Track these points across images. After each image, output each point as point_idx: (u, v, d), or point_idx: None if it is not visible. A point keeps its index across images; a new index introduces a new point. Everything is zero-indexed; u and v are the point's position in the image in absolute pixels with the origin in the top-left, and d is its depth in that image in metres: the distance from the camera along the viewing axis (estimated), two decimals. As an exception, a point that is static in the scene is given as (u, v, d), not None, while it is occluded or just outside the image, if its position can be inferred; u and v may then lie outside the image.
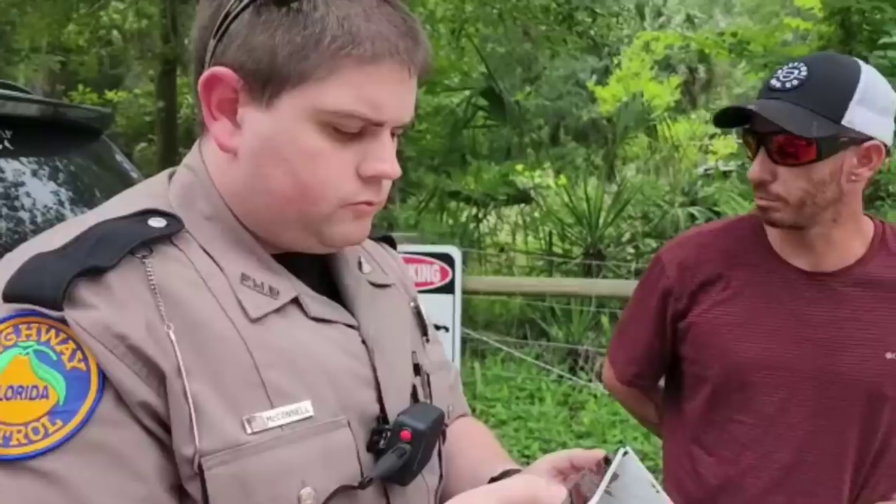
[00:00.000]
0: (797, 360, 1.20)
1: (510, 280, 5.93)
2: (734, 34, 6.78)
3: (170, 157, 8.37)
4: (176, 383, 0.61)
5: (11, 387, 0.58)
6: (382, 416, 0.73)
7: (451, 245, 4.17)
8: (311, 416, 0.67)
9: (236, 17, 0.67)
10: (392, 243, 0.98)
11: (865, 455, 1.21)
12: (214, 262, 0.69)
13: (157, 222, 0.68)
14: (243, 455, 0.62)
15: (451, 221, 7.48)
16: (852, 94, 1.10)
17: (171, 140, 9.04)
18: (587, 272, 6.27)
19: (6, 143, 1.53)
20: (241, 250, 0.71)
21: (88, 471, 0.58)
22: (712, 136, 12.16)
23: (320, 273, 0.79)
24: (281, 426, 0.65)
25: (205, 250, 0.69)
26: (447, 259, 3.74)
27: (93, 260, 0.61)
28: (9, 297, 0.60)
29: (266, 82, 0.66)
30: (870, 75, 1.13)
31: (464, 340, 4.57)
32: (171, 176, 0.76)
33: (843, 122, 1.10)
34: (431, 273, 3.73)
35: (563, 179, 8.15)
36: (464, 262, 4.23)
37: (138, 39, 11.08)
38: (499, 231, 8.64)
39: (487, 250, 7.89)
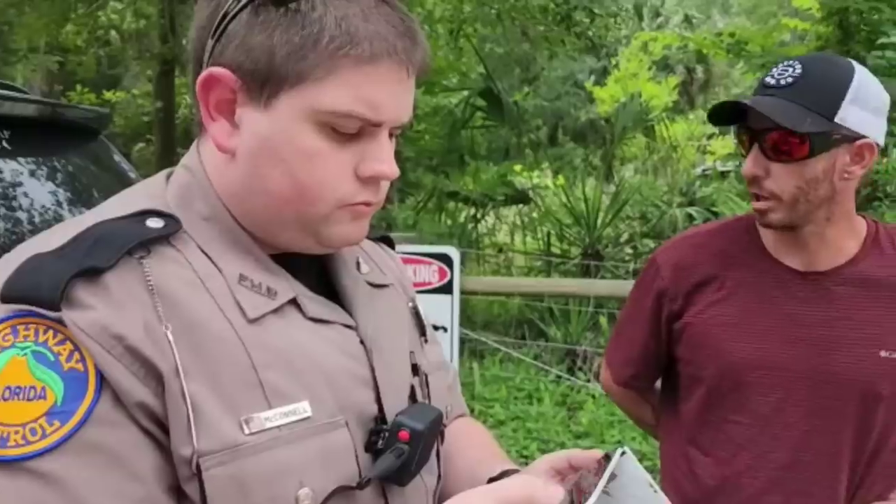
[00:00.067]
0: (791, 360, 1.21)
1: (508, 280, 5.93)
2: (732, 34, 6.80)
3: (168, 157, 8.37)
4: (174, 384, 0.61)
5: (9, 387, 0.58)
6: (380, 417, 0.73)
7: (450, 245, 4.17)
8: (308, 417, 0.67)
9: (234, 17, 0.66)
10: (390, 243, 0.98)
11: (861, 454, 1.21)
12: (212, 262, 0.69)
13: (154, 223, 0.67)
14: (241, 456, 0.62)
15: (449, 222, 7.48)
16: (846, 93, 1.12)
17: (169, 140, 9.04)
18: (585, 272, 6.28)
19: (4, 144, 1.53)
20: (238, 251, 0.71)
21: (86, 471, 0.58)
22: (710, 137, 12.19)
23: (318, 273, 0.79)
24: (279, 427, 0.65)
25: (203, 251, 0.69)
26: (445, 259, 3.74)
27: (90, 260, 0.61)
28: (6, 298, 0.60)
29: (264, 82, 0.66)
30: (863, 75, 1.15)
31: (462, 341, 4.57)
32: (168, 176, 0.76)
33: (836, 120, 1.11)
34: (430, 273, 3.73)
35: (561, 180, 8.17)
36: (462, 263, 4.23)
37: (136, 39, 11.07)
38: (497, 231, 8.65)
39: (486, 251, 7.89)
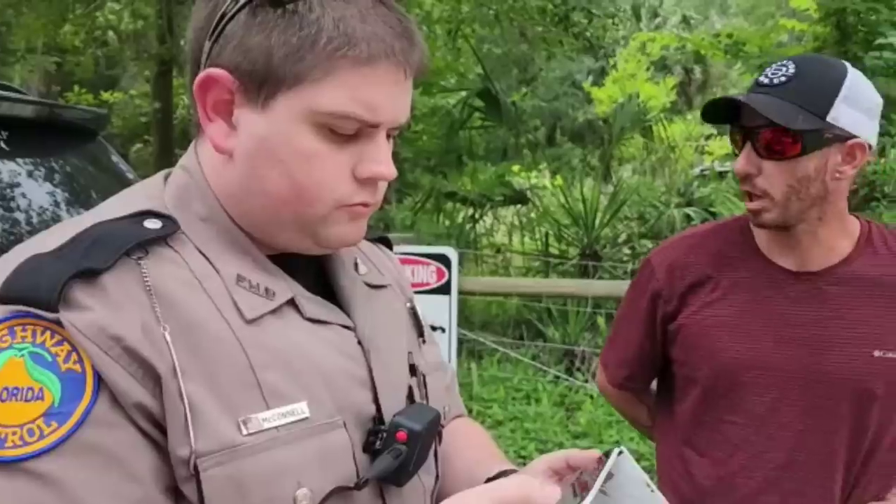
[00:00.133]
0: (785, 360, 1.21)
1: (507, 281, 5.93)
2: (730, 35, 6.81)
3: (166, 158, 8.37)
4: (171, 384, 0.61)
5: (6, 388, 0.58)
6: (378, 417, 0.73)
7: (448, 246, 4.18)
8: (306, 417, 0.67)
9: (232, 18, 0.66)
10: (388, 244, 0.98)
11: (856, 454, 1.22)
12: (210, 263, 0.69)
13: (152, 224, 0.68)
14: (239, 456, 0.62)
15: (447, 222, 7.48)
16: (838, 92, 1.13)
17: (167, 141, 9.04)
18: (583, 273, 6.28)
19: (2, 144, 1.53)
20: (236, 251, 0.71)
21: (84, 472, 0.58)
22: (708, 137, 12.20)
23: (316, 274, 0.79)
24: (277, 427, 0.65)
25: (200, 251, 0.69)
26: (443, 260, 3.74)
27: (88, 262, 0.61)
28: (4, 299, 0.60)
29: (262, 83, 0.66)
30: (856, 76, 1.16)
31: (460, 341, 4.58)
32: (166, 177, 0.76)
33: (829, 119, 1.12)
34: (428, 274, 3.73)
35: (559, 180, 8.18)
36: (460, 263, 4.23)
37: (134, 40, 11.06)
38: (495, 232, 8.66)
39: (484, 251, 7.90)
